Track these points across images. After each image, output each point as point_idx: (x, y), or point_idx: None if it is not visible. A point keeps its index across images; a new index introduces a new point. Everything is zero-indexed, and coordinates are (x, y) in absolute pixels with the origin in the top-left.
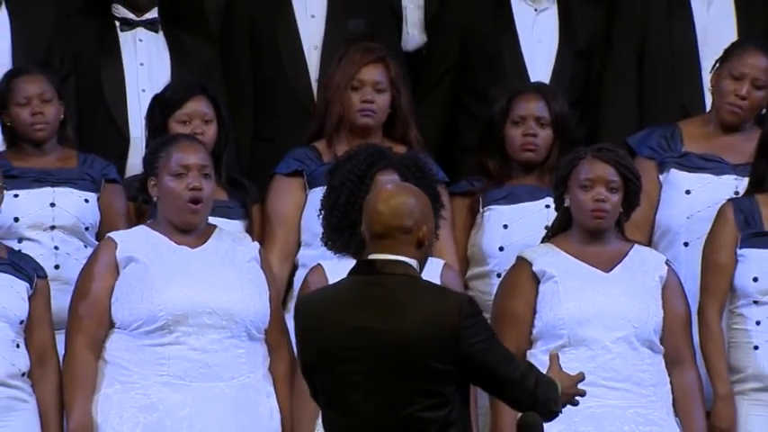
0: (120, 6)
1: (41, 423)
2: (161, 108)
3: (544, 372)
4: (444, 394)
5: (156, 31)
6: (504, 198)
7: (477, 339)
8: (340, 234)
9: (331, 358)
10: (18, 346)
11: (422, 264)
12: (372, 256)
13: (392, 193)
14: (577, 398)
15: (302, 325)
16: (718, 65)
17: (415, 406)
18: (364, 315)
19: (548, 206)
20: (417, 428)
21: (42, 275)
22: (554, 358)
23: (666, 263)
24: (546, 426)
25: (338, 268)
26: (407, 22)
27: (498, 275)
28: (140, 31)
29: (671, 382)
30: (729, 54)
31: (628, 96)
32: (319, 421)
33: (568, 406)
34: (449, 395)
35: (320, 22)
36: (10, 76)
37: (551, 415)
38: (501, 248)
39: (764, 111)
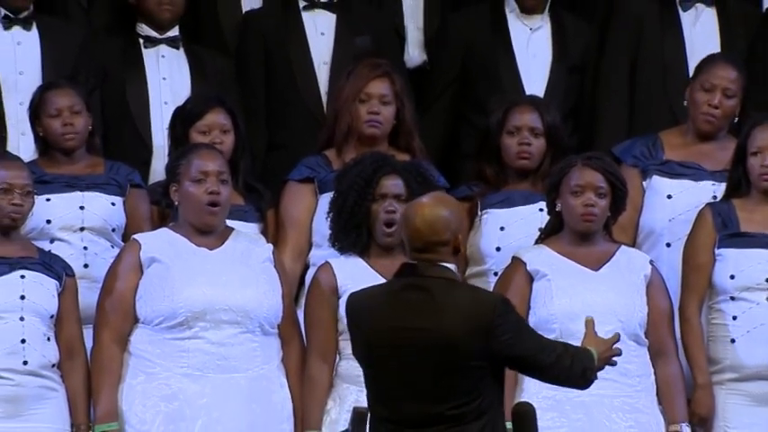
0: (143, 25)
1: (70, 410)
2: (182, 119)
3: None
4: (479, 388)
5: (178, 48)
6: (500, 202)
7: (507, 336)
8: (347, 234)
9: (375, 355)
10: (48, 339)
11: (458, 266)
12: (414, 260)
13: (428, 208)
14: (613, 359)
15: (351, 323)
16: (692, 80)
17: (452, 400)
18: (405, 315)
19: (541, 210)
20: (454, 420)
21: (70, 274)
22: (590, 324)
23: (650, 262)
24: (539, 412)
25: (345, 266)
26: (408, 43)
27: (495, 274)
28: (163, 47)
29: (655, 373)
30: (700, 69)
31: (620, 107)
32: (328, 407)
33: (564, 395)
34: (482, 388)
35: (329, 40)
36: (42, 89)
37: (589, 382)
38: (498, 249)
39: (737, 119)
